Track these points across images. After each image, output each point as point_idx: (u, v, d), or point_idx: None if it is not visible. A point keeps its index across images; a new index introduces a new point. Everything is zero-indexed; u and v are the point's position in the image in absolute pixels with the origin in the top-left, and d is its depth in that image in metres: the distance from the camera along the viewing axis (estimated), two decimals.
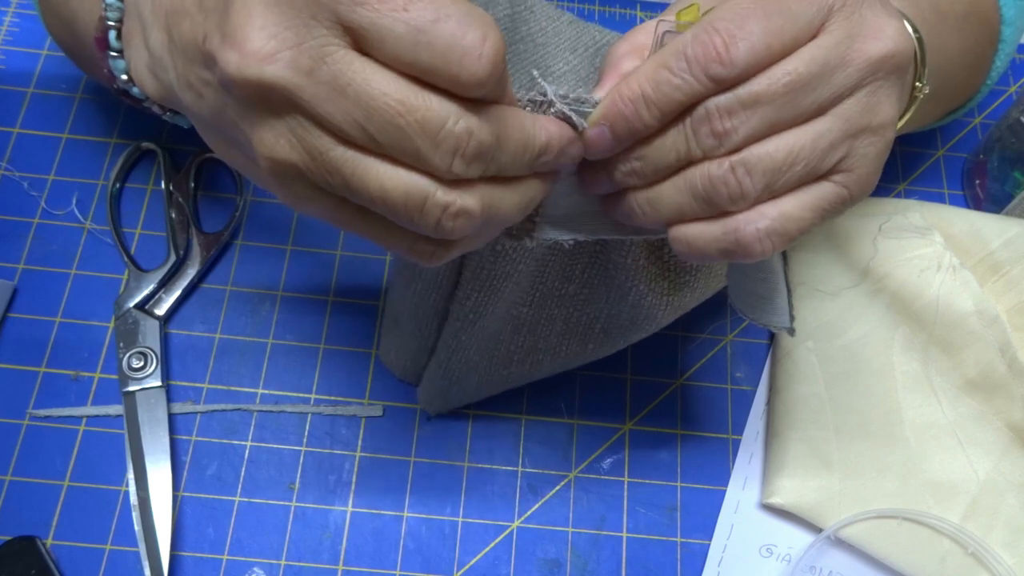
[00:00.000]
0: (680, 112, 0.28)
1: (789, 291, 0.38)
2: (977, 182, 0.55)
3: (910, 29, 0.38)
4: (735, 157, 0.28)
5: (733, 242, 0.28)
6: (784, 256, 0.44)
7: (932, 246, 0.48)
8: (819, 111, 0.28)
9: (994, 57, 0.48)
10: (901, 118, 0.39)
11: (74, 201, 0.51)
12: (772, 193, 0.28)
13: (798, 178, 0.28)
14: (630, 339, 0.43)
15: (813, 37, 0.28)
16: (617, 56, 0.32)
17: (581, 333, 0.42)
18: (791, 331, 0.41)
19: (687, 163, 0.29)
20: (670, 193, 0.29)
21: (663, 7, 0.62)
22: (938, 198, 0.55)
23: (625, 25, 0.62)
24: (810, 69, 0.27)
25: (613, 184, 0.31)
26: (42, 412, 0.46)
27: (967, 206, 0.54)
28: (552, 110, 0.29)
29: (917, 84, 0.39)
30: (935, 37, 0.40)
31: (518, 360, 0.43)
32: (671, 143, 0.29)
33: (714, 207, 0.28)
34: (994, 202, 0.53)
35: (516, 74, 0.37)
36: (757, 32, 0.27)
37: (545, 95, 0.29)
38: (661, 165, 0.29)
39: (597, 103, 0.29)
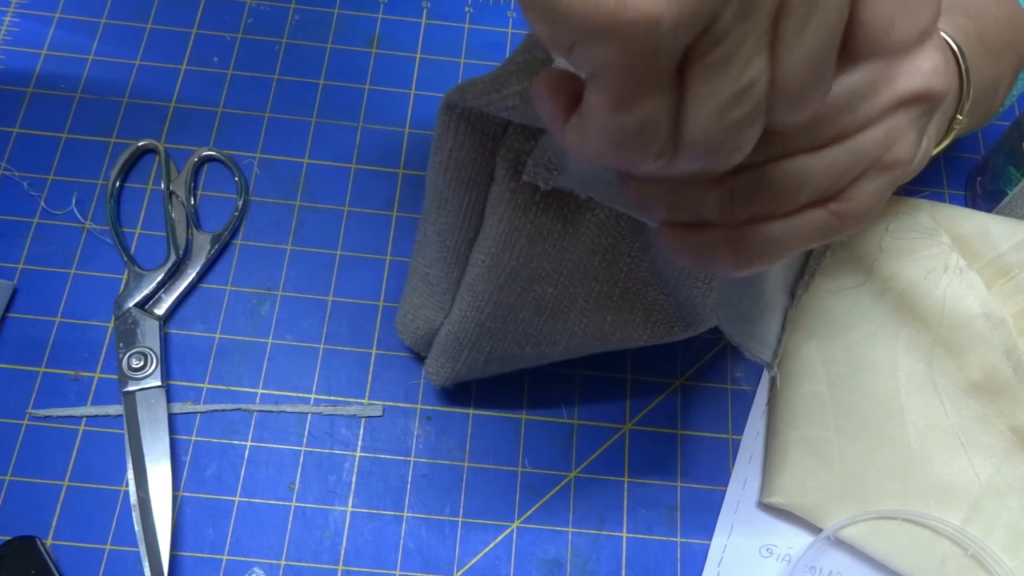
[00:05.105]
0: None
1: (783, 329, 0.38)
2: (978, 179, 0.55)
3: (960, 60, 0.37)
4: (734, 179, 0.26)
5: (711, 255, 0.27)
6: (792, 297, 0.44)
7: (939, 247, 0.48)
8: (831, 140, 0.26)
9: (1012, 87, 0.47)
10: (936, 147, 0.37)
11: (74, 201, 0.51)
12: (762, 215, 0.26)
13: (792, 206, 0.26)
14: (646, 296, 0.40)
15: None
16: None
17: (600, 306, 0.41)
18: (768, 367, 0.41)
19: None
20: (662, 192, 0.27)
21: None
22: (939, 198, 0.55)
23: None
24: (834, 99, 0.25)
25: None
26: (42, 412, 0.46)
27: (967, 206, 0.54)
28: None
29: (958, 116, 0.37)
30: (975, 69, 0.38)
31: (534, 342, 0.42)
32: None
33: (700, 218, 0.27)
34: (991, 199, 0.53)
35: None
36: None
37: None
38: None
39: None
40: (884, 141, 0.26)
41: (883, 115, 0.26)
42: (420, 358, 0.49)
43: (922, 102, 0.26)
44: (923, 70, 0.26)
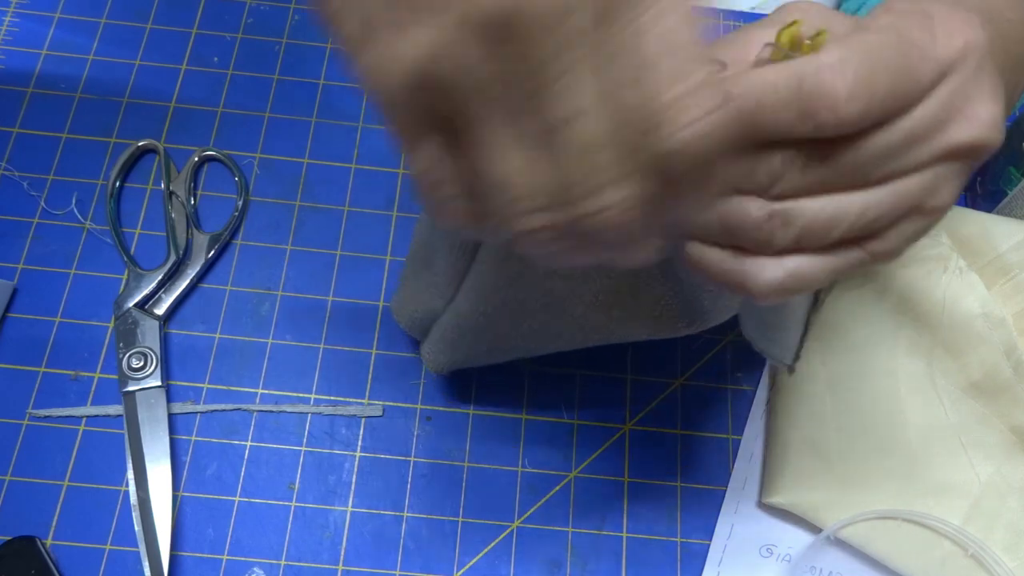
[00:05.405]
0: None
1: (805, 331, 0.38)
2: (978, 179, 0.55)
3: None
4: (777, 205, 0.25)
5: (739, 282, 0.26)
6: (816, 299, 0.44)
7: (939, 247, 0.48)
8: (878, 180, 0.25)
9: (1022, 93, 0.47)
10: None
11: (74, 201, 0.51)
12: (796, 247, 0.26)
13: (828, 241, 0.26)
14: (653, 292, 0.40)
15: None
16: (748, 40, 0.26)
17: (607, 301, 0.40)
18: (790, 369, 0.41)
19: (728, 189, 0.26)
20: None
21: None
22: None
23: None
24: (891, 140, 0.24)
25: None
26: (42, 412, 0.46)
27: (967, 206, 0.54)
28: None
29: None
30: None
31: (538, 335, 0.42)
32: (729, 168, 0.25)
33: (734, 241, 0.26)
34: (991, 199, 0.53)
35: None
36: (879, 90, 0.23)
37: None
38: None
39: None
40: (928, 187, 0.26)
41: (933, 162, 0.25)
42: (419, 350, 0.49)
43: (973, 156, 0.26)
44: (981, 121, 0.25)
